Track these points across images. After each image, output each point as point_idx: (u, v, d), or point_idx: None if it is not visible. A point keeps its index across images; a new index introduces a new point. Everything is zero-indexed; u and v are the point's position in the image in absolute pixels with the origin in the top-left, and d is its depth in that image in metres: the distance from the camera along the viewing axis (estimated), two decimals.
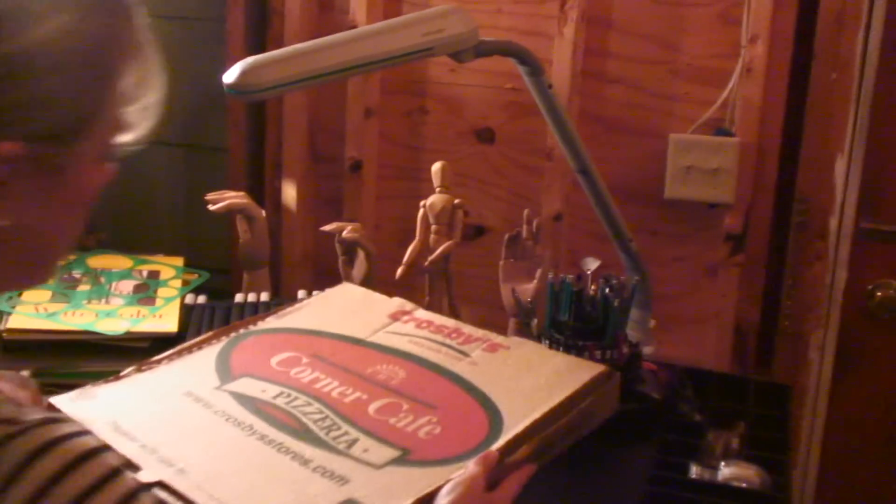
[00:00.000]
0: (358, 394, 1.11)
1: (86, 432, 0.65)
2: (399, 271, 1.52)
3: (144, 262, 1.64)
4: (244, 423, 1.04)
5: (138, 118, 0.72)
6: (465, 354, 1.21)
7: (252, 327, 1.27)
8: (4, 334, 1.36)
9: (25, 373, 1.32)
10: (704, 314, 1.75)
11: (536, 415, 1.05)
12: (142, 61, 0.71)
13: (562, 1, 1.69)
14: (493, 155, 1.85)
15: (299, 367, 1.17)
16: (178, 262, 1.66)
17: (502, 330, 1.62)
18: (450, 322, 1.30)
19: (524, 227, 1.54)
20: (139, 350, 1.39)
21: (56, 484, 0.61)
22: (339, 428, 1.06)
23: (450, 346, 1.23)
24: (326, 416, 1.07)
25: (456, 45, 1.25)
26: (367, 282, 1.59)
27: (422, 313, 1.33)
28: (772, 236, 1.70)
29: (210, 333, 1.25)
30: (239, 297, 1.53)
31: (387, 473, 0.97)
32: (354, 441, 1.02)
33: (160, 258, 1.67)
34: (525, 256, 1.54)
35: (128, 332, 1.38)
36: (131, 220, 2.05)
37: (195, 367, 1.17)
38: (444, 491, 0.88)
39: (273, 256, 1.96)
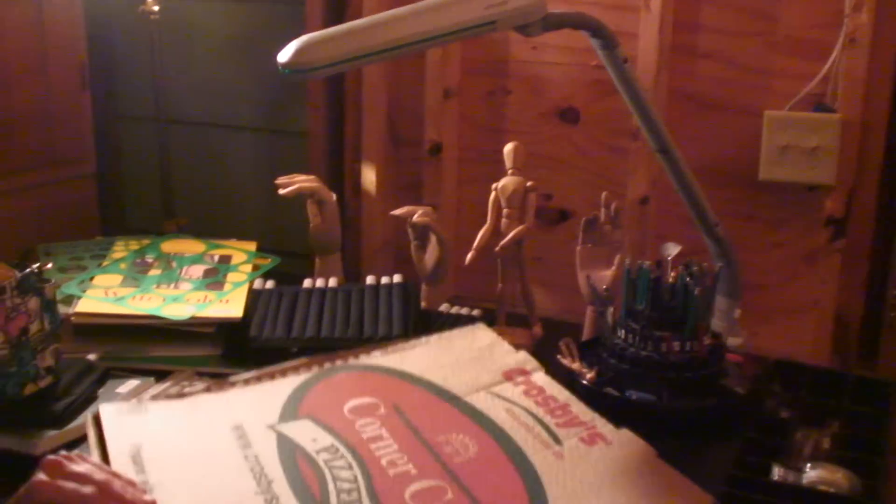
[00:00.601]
0: (409, 466, 1.03)
1: None
2: (468, 256, 1.46)
3: (217, 246, 1.63)
4: (267, 477, 0.99)
5: None
6: (558, 442, 1.11)
7: (351, 360, 1.23)
8: (73, 318, 1.36)
9: (92, 356, 1.33)
10: (803, 304, 1.63)
11: None
12: None
13: None
14: (577, 136, 1.77)
15: (370, 418, 1.11)
16: (251, 246, 1.64)
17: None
18: (562, 395, 1.22)
19: (602, 210, 1.46)
20: (205, 335, 1.38)
21: None
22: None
23: (545, 426, 1.14)
24: (354, 490, 0.99)
25: (521, 18, 1.18)
26: (439, 267, 1.54)
27: (539, 378, 1.25)
28: (877, 220, 1.56)
29: (303, 360, 1.20)
30: (307, 283, 1.50)
31: None
32: None
33: (233, 242, 1.65)
34: (603, 242, 1.46)
35: (192, 318, 1.37)
36: (213, 206, 2.06)
37: (265, 398, 1.13)
38: None
39: (352, 242, 1.94)
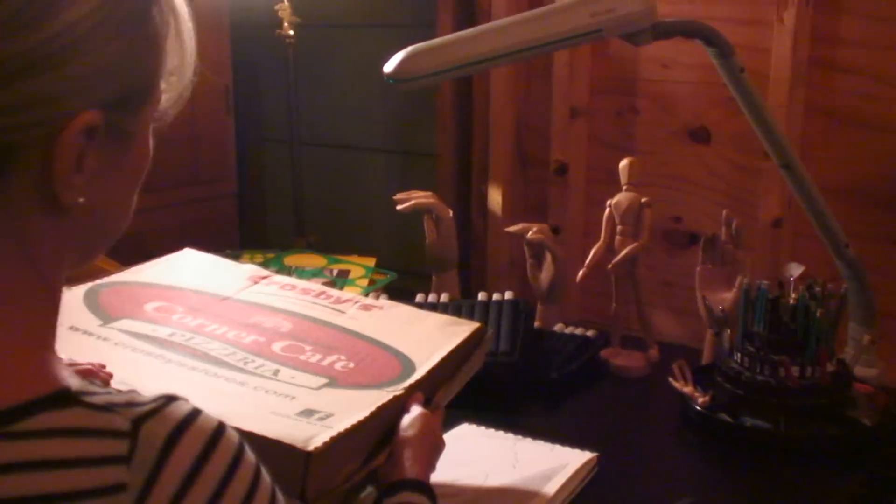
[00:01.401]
0: (254, 337, 1.06)
1: (199, 410, 0.61)
2: (579, 274, 1.43)
3: (337, 261, 1.67)
4: (154, 353, 0.97)
5: (175, 83, 0.69)
6: (342, 312, 1.16)
7: (106, 279, 1.17)
8: None
9: None
10: None
11: (443, 352, 1.07)
12: (177, 24, 0.68)
13: None
14: (708, 156, 1.71)
15: (178, 314, 1.10)
16: (370, 262, 1.67)
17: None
18: (315, 285, 1.25)
19: (723, 229, 1.40)
20: None
21: (200, 469, 0.57)
22: (253, 361, 1.02)
23: (324, 305, 1.18)
24: (235, 352, 1.02)
25: (628, 26, 1.16)
26: (555, 286, 1.52)
27: (281, 278, 1.25)
28: None
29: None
30: (419, 297, 1.50)
31: (327, 394, 0.96)
32: (277, 371, 1.00)
33: (353, 258, 1.68)
34: (724, 262, 1.40)
35: None
36: (344, 224, 2.11)
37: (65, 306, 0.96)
38: (404, 425, 0.96)
39: (478, 262, 1.94)
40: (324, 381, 0.99)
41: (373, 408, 0.93)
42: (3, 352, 0.58)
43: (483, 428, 1.22)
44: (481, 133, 1.90)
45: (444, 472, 1.10)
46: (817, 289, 1.23)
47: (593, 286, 1.67)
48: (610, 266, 1.39)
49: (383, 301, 1.26)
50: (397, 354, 1.08)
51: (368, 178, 2.09)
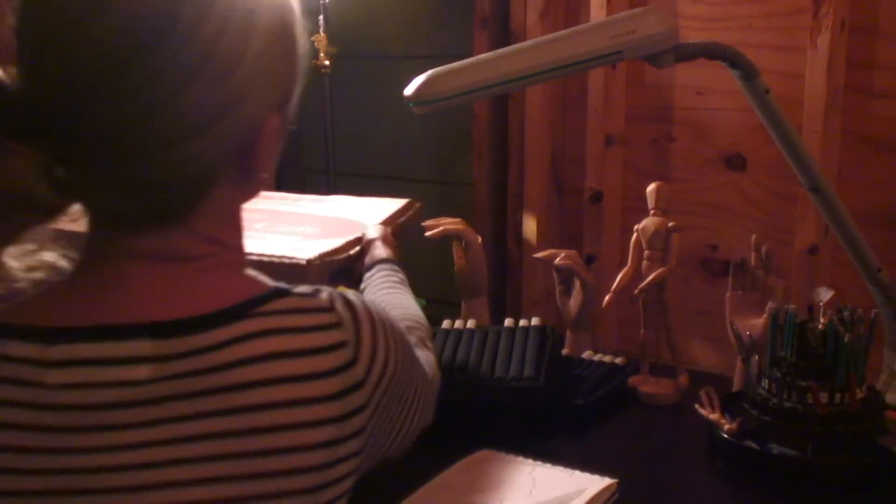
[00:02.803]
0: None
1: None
2: (606, 299, 1.42)
3: None
4: None
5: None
6: (298, 204, 1.49)
7: None
8: None
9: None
10: None
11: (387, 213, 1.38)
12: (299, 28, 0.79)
13: (815, 9, 1.52)
14: (744, 183, 1.69)
15: None
16: None
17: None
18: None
19: (752, 254, 1.38)
20: None
21: (374, 313, 0.79)
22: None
23: (282, 199, 1.51)
24: None
25: (649, 48, 1.15)
26: (583, 312, 1.50)
27: None
28: None
29: None
30: (446, 323, 1.50)
31: (315, 244, 1.25)
32: (264, 237, 1.27)
33: None
34: (754, 287, 1.37)
35: None
36: None
37: None
38: (368, 232, 1.30)
39: (514, 290, 1.93)
40: (299, 238, 1.28)
41: (345, 240, 1.26)
42: (233, 271, 0.76)
43: (502, 453, 1.21)
44: (517, 161, 1.90)
45: (459, 498, 1.09)
46: (846, 313, 1.20)
47: (627, 314, 1.65)
48: (636, 291, 1.38)
49: (329, 197, 1.56)
50: (350, 221, 1.35)
51: None
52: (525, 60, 1.14)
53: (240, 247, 0.79)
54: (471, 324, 1.49)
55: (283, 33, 0.75)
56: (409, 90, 1.16)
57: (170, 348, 0.68)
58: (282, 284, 0.75)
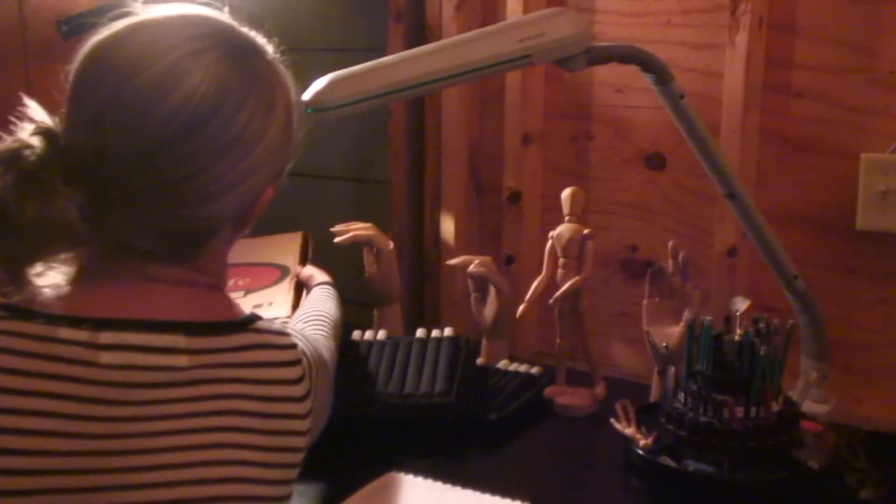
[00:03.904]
0: None
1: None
2: (520, 309, 1.37)
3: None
4: None
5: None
6: None
7: None
8: None
9: None
10: None
11: (295, 255, 1.56)
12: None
13: (733, 6, 1.48)
14: (664, 183, 1.66)
15: None
16: None
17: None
18: None
19: (669, 261, 1.34)
20: None
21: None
22: None
23: None
24: None
25: (560, 52, 1.11)
26: (499, 321, 1.46)
27: None
28: None
29: None
30: (355, 334, 1.44)
31: (251, 297, 1.42)
32: None
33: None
34: (672, 295, 1.34)
35: None
36: None
37: None
38: (301, 273, 1.50)
39: (432, 293, 1.88)
40: (241, 292, 1.43)
41: (291, 289, 1.43)
42: (224, 295, 0.95)
43: (411, 476, 1.16)
44: (434, 159, 1.84)
45: None
46: (762, 325, 1.17)
47: (547, 317, 1.61)
48: (551, 301, 1.33)
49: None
50: (268, 265, 1.52)
51: (320, 205, 2.03)
52: (430, 64, 1.09)
53: (225, 278, 0.98)
54: (381, 334, 1.43)
55: (288, 121, 0.93)
56: (307, 95, 1.10)
57: (201, 344, 0.85)
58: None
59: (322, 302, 1.34)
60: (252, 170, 0.87)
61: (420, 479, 1.15)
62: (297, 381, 0.90)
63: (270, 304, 1.38)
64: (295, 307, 1.39)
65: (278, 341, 0.90)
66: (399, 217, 1.88)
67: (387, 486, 1.13)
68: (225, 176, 0.85)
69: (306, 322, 1.23)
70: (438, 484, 1.13)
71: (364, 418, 1.29)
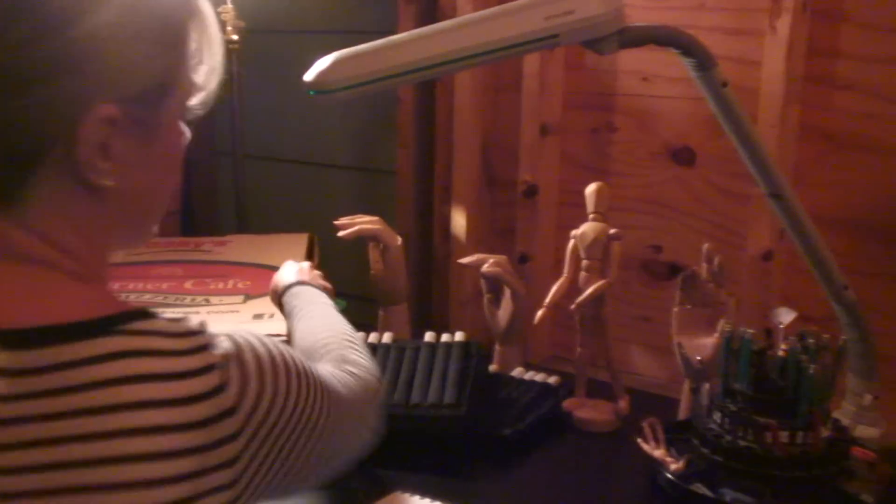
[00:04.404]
0: (166, 284, 1.35)
1: None
2: (538, 314, 1.25)
3: None
4: None
5: (205, 80, 0.77)
6: (207, 251, 1.52)
7: None
8: None
9: None
10: None
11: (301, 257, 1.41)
12: (204, 25, 0.76)
13: None
14: (692, 179, 1.54)
15: None
16: None
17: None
18: (171, 239, 1.62)
19: (703, 265, 1.23)
20: None
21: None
22: (184, 298, 1.31)
23: (191, 249, 1.55)
24: (166, 297, 1.29)
25: (590, 32, 0.98)
26: (513, 325, 1.34)
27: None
28: None
29: None
30: None
31: (252, 304, 1.29)
32: (207, 299, 1.30)
33: None
34: (705, 303, 1.22)
35: None
36: None
37: None
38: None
39: (440, 292, 1.77)
40: (241, 297, 1.33)
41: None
42: (89, 293, 0.69)
43: (417, 498, 1.04)
44: (444, 150, 1.73)
45: None
46: (810, 340, 1.06)
47: (563, 320, 1.50)
48: (573, 306, 1.22)
49: (228, 237, 1.61)
50: (271, 267, 1.33)
51: (325, 195, 1.92)
52: (446, 44, 0.97)
53: (92, 260, 0.71)
54: (387, 338, 1.32)
55: (146, 25, 0.69)
56: (309, 75, 0.98)
57: (27, 360, 0.61)
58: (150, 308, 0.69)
59: (319, 308, 1.07)
60: (65, 62, 0.64)
61: (428, 502, 1.03)
62: (195, 400, 0.64)
63: (272, 315, 1.26)
64: None
65: (167, 346, 0.64)
66: (406, 210, 1.77)
67: None
68: (20, 52, 0.63)
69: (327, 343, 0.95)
70: None
71: None
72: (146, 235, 0.79)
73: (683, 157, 1.54)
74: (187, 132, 0.77)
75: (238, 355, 0.68)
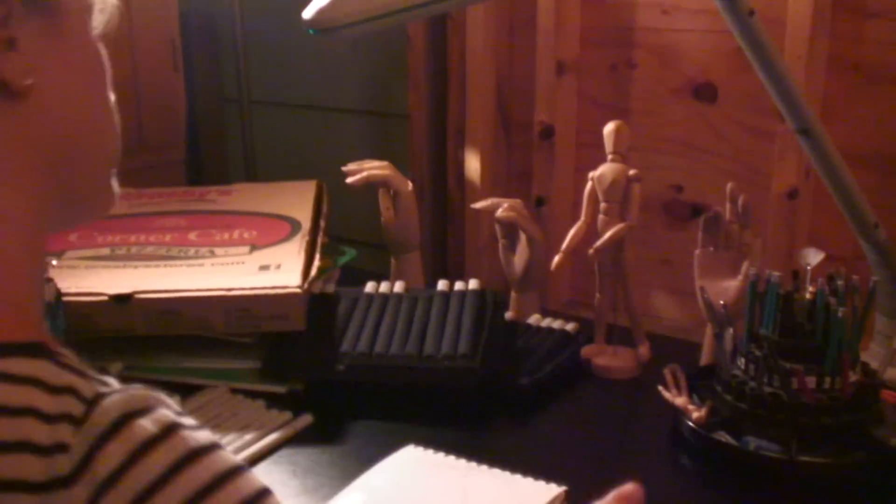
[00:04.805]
0: (169, 235, 1.31)
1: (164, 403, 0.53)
2: (555, 260, 1.21)
3: None
4: (111, 266, 1.22)
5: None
6: (212, 200, 1.45)
7: None
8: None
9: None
10: None
11: (309, 208, 1.38)
12: None
13: None
14: (715, 116, 1.48)
15: (98, 236, 1.31)
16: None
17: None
18: (175, 189, 1.54)
19: (727, 205, 1.18)
20: (242, 345, 1.22)
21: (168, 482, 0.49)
22: (188, 250, 1.26)
23: (195, 199, 1.47)
24: (169, 249, 1.26)
25: None
26: (530, 272, 1.30)
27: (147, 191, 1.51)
28: None
29: None
30: (370, 286, 1.29)
31: (259, 255, 1.23)
32: (212, 251, 1.25)
33: None
34: (729, 245, 1.18)
35: None
36: None
37: None
38: None
39: (456, 239, 1.72)
40: (247, 247, 1.26)
41: (303, 250, 1.24)
42: None
43: (431, 452, 1.01)
44: (458, 92, 1.67)
45: None
46: (840, 282, 1.01)
47: (581, 264, 1.46)
48: (591, 251, 1.17)
49: (233, 186, 1.55)
50: (278, 217, 1.36)
51: (335, 141, 1.87)
52: None
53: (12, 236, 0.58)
54: (399, 286, 1.28)
55: None
56: (308, 13, 0.93)
57: None
58: (59, 348, 0.54)
59: None
60: None
61: (441, 456, 1.00)
62: (41, 452, 0.48)
63: (279, 266, 1.21)
64: (307, 273, 1.20)
65: (52, 380, 0.50)
66: (419, 155, 1.72)
67: (407, 462, 0.99)
68: None
69: None
70: (462, 462, 0.99)
71: (378, 383, 1.15)
72: (103, 198, 0.68)
73: (706, 93, 1.48)
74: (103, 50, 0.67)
75: (108, 441, 0.49)
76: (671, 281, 1.55)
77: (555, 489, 0.93)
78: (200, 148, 2.00)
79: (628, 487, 0.67)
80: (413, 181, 1.72)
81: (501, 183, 1.69)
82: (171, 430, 0.51)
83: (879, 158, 1.34)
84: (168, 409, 0.52)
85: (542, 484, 0.94)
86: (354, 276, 1.38)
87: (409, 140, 1.72)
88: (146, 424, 0.50)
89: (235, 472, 0.51)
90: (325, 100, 1.87)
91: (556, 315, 1.36)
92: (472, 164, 1.65)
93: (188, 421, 0.53)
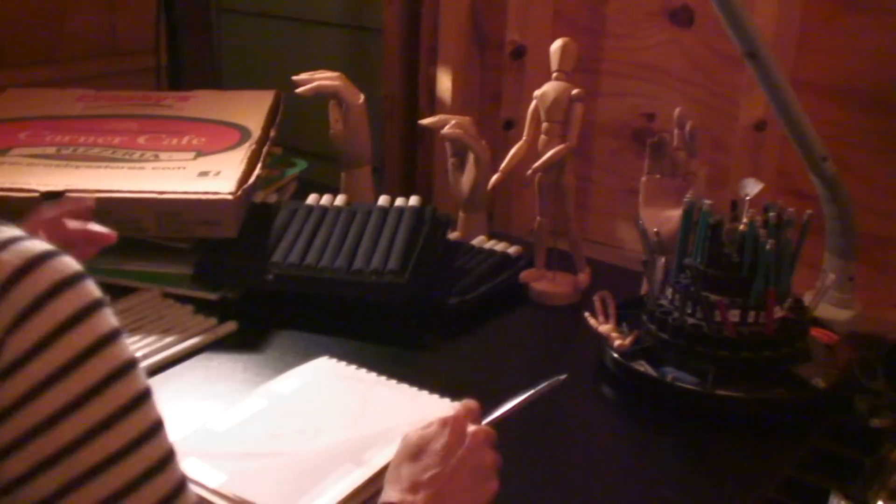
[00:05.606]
0: (118, 138, 1.32)
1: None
2: (493, 179, 1.17)
3: None
4: (53, 164, 1.23)
5: None
6: (169, 106, 1.44)
7: None
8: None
9: None
10: None
11: (262, 115, 1.38)
12: None
13: None
14: (689, 42, 1.42)
15: (47, 136, 1.32)
16: (276, 149, 1.44)
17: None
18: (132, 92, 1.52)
19: (675, 131, 1.13)
20: (178, 250, 1.20)
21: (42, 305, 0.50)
22: (133, 153, 1.27)
23: (152, 104, 1.46)
24: (115, 151, 1.28)
25: None
26: (477, 191, 1.27)
27: (106, 92, 1.52)
28: None
29: None
30: (311, 199, 1.26)
31: (203, 161, 1.24)
32: (156, 155, 1.26)
33: None
34: (675, 172, 1.14)
35: None
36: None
37: None
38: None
39: (425, 159, 1.69)
40: (192, 153, 1.27)
41: (245, 159, 1.23)
42: None
43: (343, 364, 1.00)
44: (431, 7, 1.62)
45: (275, 419, 0.89)
46: (773, 214, 0.97)
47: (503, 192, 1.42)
48: (529, 172, 1.13)
49: (192, 92, 1.52)
50: (230, 125, 1.36)
51: (310, 53, 1.83)
52: None
53: None
54: (340, 200, 1.25)
55: None
56: None
57: None
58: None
59: None
60: None
61: (352, 369, 0.99)
62: None
63: (218, 173, 1.19)
64: (244, 181, 1.18)
65: None
66: (393, 71, 1.68)
67: (315, 372, 0.98)
68: None
69: None
70: (372, 376, 0.97)
71: (306, 295, 1.13)
72: None
73: (682, 17, 1.42)
74: None
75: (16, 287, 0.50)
76: (630, 212, 1.51)
77: (456, 405, 0.91)
78: (186, 57, 1.97)
79: (470, 402, 0.66)
80: (385, 97, 1.69)
81: (475, 103, 1.64)
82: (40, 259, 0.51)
83: (854, 94, 1.28)
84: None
85: (446, 401, 0.93)
86: (313, 190, 1.36)
87: (382, 55, 1.68)
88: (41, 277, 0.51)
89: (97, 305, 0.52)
90: (304, 12, 1.83)
91: (506, 238, 1.33)
92: (444, 83, 1.61)
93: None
